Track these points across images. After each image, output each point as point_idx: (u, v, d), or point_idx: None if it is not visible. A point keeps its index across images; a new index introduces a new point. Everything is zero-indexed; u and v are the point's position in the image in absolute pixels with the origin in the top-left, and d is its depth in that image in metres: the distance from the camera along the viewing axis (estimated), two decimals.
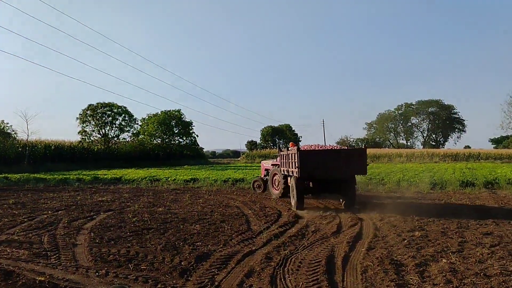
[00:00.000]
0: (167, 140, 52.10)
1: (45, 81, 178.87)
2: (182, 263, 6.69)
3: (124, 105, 46.50)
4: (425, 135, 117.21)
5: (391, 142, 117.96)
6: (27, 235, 9.01)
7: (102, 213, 12.32)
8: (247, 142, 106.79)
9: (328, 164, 12.06)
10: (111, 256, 7.13)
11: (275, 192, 15.74)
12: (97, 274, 6.11)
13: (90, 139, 44.06)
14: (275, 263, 6.62)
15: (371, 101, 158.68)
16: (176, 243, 8.04)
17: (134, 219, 10.94)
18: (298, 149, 12.15)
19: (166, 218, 10.96)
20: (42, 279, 5.72)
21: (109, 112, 44.90)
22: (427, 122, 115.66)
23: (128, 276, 5.99)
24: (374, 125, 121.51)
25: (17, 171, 33.83)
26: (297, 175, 12.21)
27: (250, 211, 12.26)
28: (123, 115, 45.69)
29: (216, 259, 6.89)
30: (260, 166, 20.29)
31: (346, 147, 14.38)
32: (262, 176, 18.11)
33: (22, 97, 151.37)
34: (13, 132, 35.77)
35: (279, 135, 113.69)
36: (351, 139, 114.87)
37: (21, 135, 37.67)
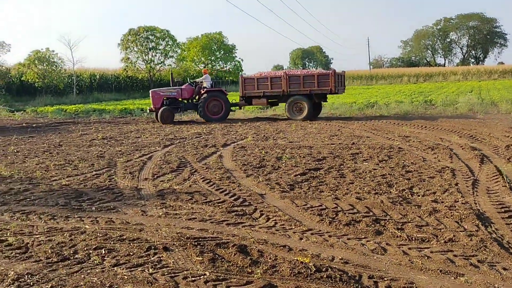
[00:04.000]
0: (210, 65, 49.41)
1: (84, 4, 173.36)
2: None
3: (167, 28, 43.53)
4: (464, 51, 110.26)
5: (428, 60, 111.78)
6: (194, 184, 7.15)
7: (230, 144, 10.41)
8: (273, 67, 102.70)
9: None
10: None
11: None
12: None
13: (134, 66, 41.77)
14: None
15: (407, 17, 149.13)
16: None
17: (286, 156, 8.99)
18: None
19: (332, 153, 8.96)
20: (304, 260, 3.82)
21: (152, 37, 42.08)
22: (467, 38, 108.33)
23: None
24: (410, 43, 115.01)
25: (68, 102, 32.36)
26: None
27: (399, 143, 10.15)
28: (166, 39, 42.84)
29: None
30: None
31: None
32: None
33: (62, 22, 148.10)
34: (59, 61, 33.78)
35: (310, 58, 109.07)
36: (385, 59, 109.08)
37: (67, 64, 35.70)
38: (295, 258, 3.85)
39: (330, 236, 4.47)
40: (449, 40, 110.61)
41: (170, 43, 42.82)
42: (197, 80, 18.31)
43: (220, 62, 50.41)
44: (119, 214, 5.50)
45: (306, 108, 16.86)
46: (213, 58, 49.88)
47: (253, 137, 12.30)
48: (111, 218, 5.31)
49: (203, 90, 17.36)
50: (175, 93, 17.48)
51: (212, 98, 17.31)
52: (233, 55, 51.10)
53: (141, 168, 8.52)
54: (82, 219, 5.35)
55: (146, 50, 41.64)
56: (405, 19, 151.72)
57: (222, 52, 50.85)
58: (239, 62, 50.53)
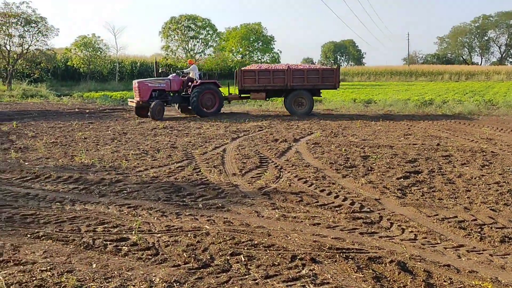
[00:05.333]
0: (247, 56, 48.98)
1: None
2: None
3: (208, 18, 43.26)
4: (502, 50, 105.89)
5: (464, 58, 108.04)
6: (291, 183, 6.76)
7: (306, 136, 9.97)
8: (302, 60, 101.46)
9: None
10: None
11: None
12: None
13: (174, 55, 41.72)
14: None
15: (445, 13, 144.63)
16: None
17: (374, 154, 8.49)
18: None
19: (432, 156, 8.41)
20: (486, 285, 3.35)
21: (193, 26, 41.88)
22: (506, 36, 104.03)
23: None
24: (446, 40, 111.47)
25: (110, 88, 32.58)
26: None
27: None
28: (207, 28, 42.57)
29: None
30: None
31: None
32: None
33: (107, 8, 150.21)
34: (104, 47, 33.99)
35: (341, 52, 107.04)
36: (420, 55, 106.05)
37: (111, 51, 35.91)
38: (473, 283, 3.39)
39: (491, 255, 3.98)
40: (487, 38, 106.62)
41: (210, 33, 42.54)
42: (184, 70, 17.12)
43: (258, 53, 49.83)
44: (232, 214, 5.15)
45: (307, 103, 16.91)
46: (251, 48, 49.39)
47: (321, 133, 11.82)
48: (227, 218, 4.96)
49: (195, 82, 16.23)
50: (164, 84, 15.95)
51: (206, 90, 16.11)
52: (271, 47, 50.45)
53: (222, 162, 8.18)
54: (196, 217, 5.02)
55: (186, 39, 41.51)
56: (442, 15, 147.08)
57: (260, 43, 50.30)
58: (277, 54, 49.82)
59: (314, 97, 17.50)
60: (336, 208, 5.32)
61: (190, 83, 16.29)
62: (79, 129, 12.73)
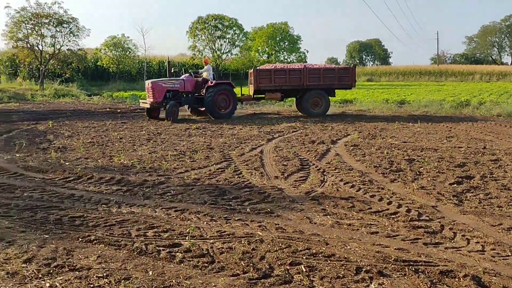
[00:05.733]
0: (273, 56, 48.73)
1: None
2: None
3: (235, 17, 43.23)
4: None
5: (494, 58, 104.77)
6: (337, 187, 6.54)
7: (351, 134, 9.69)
8: (327, 59, 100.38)
9: None
10: None
11: None
12: None
13: (202, 55, 41.84)
14: None
15: (473, 12, 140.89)
16: None
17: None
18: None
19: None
20: None
21: (220, 26, 41.92)
22: None
23: None
24: (475, 39, 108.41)
25: (138, 88, 32.88)
26: None
27: None
28: (234, 28, 42.55)
29: None
30: None
31: None
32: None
33: (136, 9, 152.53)
34: (133, 47, 34.36)
35: (367, 51, 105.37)
36: (448, 55, 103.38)
37: (139, 51, 36.27)
38: None
39: None
40: None
41: (237, 32, 42.50)
42: (200, 71, 16.54)
43: (284, 52, 49.54)
44: (283, 220, 4.96)
45: (323, 103, 16.57)
46: (277, 48, 49.13)
47: (358, 135, 11.51)
48: (279, 225, 4.77)
49: (209, 83, 15.63)
50: (177, 85, 15.39)
51: (221, 91, 15.53)
52: (298, 46, 50.07)
53: (262, 164, 8.01)
54: (246, 223, 4.85)
55: (213, 39, 41.58)
56: (471, 14, 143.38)
57: (286, 43, 49.99)
58: (303, 53, 49.42)
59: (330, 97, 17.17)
60: (392, 216, 5.06)
61: (203, 84, 15.78)
62: (113, 129, 12.78)
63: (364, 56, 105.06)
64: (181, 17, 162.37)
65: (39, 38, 27.42)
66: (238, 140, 10.80)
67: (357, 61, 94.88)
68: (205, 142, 10.47)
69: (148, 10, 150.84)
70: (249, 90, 17.67)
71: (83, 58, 29.72)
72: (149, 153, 9.02)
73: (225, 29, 42.16)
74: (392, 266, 3.70)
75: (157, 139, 10.88)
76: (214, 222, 4.87)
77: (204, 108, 15.95)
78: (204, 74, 16.06)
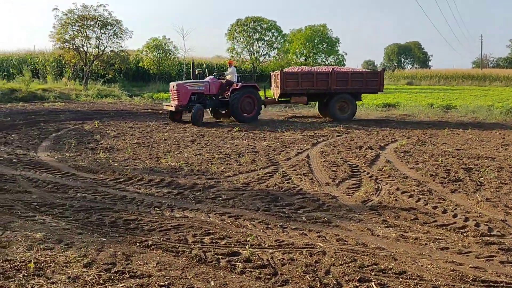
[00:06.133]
0: (311, 59, 48.21)
1: None
2: None
3: (273, 19, 43.11)
4: None
5: None
6: (395, 196, 6.25)
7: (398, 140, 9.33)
8: (363, 62, 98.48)
9: None
10: None
11: None
12: None
13: (240, 57, 41.96)
14: None
15: None
16: None
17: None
18: None
19: None
20: None
21: (258, 28, 41.89)
22: None
23: None
24: None
25: None
26: None
27: None
28: (272, 30, 42.41)
29: None
30: None
31: None
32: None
33: (174, 11, 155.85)
34: (174, 49, 34.85)
35: (406, 54, 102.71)
36: (491, 58, 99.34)
37: (180, 53, 36.77)
38: None
39: None
40: None
41: (275, 34, 42.35)
42: (225, 73, 15.80)
43: (322, 55, 48.94)
44: (343, 230, 4.73)
45: (350, 108, 16.03)
46: (315, 51, 48.59)
47: (406, 141, 11.08)
48: (339, 235, 4.54)
49: (234, 85, 14.99)
50: (203, 87, 14.72)
51: (246, 94, 14.88)
52: (336, 49, 49.34)
53: (310, 170, 7.79)
54: (304, 232, 4.65)
55: (252, 41, 41.59)
56: None
57: (324, 45, 49.36)
58: (342, 56, 48.67)
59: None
60: (461, 230, 4.73)
61: (228, 87, 15.17)
62: (157, 130, 12.87)
63: (402, 59, 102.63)
64: (219, 19, 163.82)
65: (84, 39, 28.22)
66: (282, 143, 10.62)
67: (395, 64, 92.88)
68: (249, 145, 10.34)
69: (187, 12, 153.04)
70: (273, 93, 16.96)
71: (126, 59, 30.33)
72: (195, 155, 8.97)
73: (263, 31, 42.07)
74: (471, 287, 3.40)
75: (201, 141, 10.85)
76: (270, 230, 4.70)
77: (224, 111, 15.63)
78: (228, 77, 15.49)
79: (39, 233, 4.47)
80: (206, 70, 17.92)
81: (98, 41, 28.52)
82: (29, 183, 6.54)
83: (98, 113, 17.98)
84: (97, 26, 28.10)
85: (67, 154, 8.95)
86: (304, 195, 6.11)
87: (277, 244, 4.29)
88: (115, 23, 28.49)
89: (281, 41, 43.85)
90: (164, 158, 8.55)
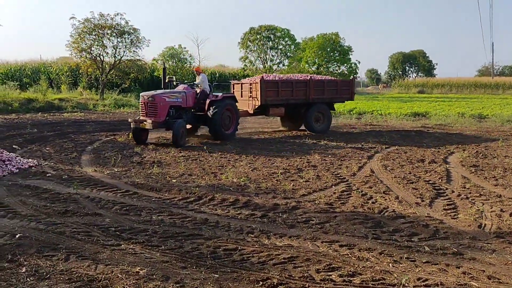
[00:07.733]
0: (323, 67, 47.72)
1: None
2: None
3: (287, 27, 42.72)
4: None
5: None
6: (503, 219, 5.60)
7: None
8: (366, 71, 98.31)
9: None
10: None
11: None
12: None
13: (253, 66, 41.47)
14: None
15: None
16: None
17: None
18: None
19: None
20: None
21: (272, 36, 41.45)
22: None
23: None
24: None
25: None
26: None
27: None
28: (285, 38, 41.96)
29: None
30: None
31: None
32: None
33: (188, 20, 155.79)
34: (189, 57, 34.35)
35: (410, 62, 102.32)
36: (497, 66, 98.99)
37: (195, 61, 36.29)
38: None
39: None
40: None
41: (289, 43, 41.91)
42: (195, 82, 12.88)
43: (334, 64, 48.46)
44: (485, 265, 4.09)
45: (325, 118, 14.97)
46: (327, 59, 48.13)
47: (466, 153, 10.44)
48: (485, 271, 3.89)
49: (212, 96, 12.50)
50: (180, 99, 11.89)
51: (226, 107, 12.51)
52: (349, 57, 48.87)
53: (387, 188, 7.14)
54: (441, 267, 4.02)
55: (265, 50, 41.16)
56: None
57: (337, 54, 48.91)
58: (355, 64, 48.18)
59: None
60: None
61: (202, 98, 12.51)
62: (192, 141, 12.28)
63: (407, 67, 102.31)
64: (232, 28, 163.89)
65: (101, 48, 27.73)
66: (334, 157, 10.00)
67: (400, 72, 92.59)
68: (301, 159, 9.70)
69: (201, 21, 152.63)
70: (248, 104, 14.15)
71: (143, 68, 29.83)
72: (251, 170, 8.36)
73: (277, 40, 41.64)
74: None
75: (247, 155, 10.22)
76: (399, 265, 4.04)
77: (192, 127, 13.32)
78: (201, 86, 12.68)
79: (137, 267, 3.84)
80: (174, 77, 14.88)
81: (114, 50, 28.03)
82: (93, 204, 5.93)
83: (124, 123, 17.38)
84: (114, 35, 27.62)
85: (115, 169, 8.34)
86: (405, 218, 5.46)
87: (424, 284, 3.64)
88: (133, 31, 28.01)
89: (294, 49, 43.38)
90: (222, 174, 7.93)
